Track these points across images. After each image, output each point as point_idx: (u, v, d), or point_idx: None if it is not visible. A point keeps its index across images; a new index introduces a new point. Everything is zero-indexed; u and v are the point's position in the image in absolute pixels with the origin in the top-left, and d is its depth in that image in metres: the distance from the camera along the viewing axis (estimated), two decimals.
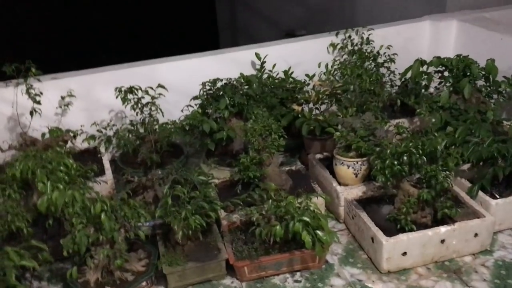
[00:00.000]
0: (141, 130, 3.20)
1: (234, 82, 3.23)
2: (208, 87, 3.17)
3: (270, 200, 2.42)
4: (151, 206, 2.74)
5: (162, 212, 2.38)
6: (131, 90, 3.00)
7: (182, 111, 3.21)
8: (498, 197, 2.68)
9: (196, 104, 3.19)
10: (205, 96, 3.15)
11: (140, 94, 3.05)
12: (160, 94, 3.07)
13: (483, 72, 3.23)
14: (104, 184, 2.90)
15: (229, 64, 3.63)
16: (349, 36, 3.75)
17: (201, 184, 2.54)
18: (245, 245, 2.49)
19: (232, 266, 2.41)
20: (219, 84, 3.18)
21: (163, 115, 3.14)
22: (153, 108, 3.06)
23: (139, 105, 3.05)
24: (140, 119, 3.14)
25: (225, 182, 2.95)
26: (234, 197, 2.61)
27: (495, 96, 3.27)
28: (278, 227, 2.30)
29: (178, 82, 3.47)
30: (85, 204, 2.26)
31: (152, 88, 3.07)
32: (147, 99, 3.08)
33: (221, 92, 3.11)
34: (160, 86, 3.06)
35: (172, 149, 3.27)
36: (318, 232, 2.28)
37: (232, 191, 2.81)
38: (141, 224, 2.44)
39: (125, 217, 2.33)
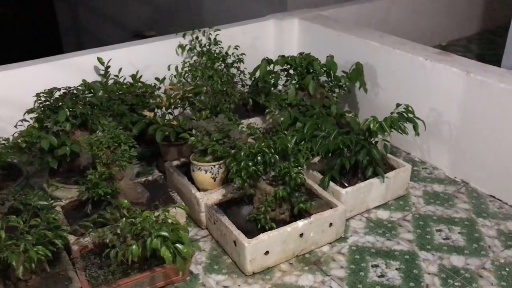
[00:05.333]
0: None
1: (75, 91, 2.94)
2: (44, 98, 2.84)
3: (124, 218, 2.24)
4: None
5: None
6: None
7: (16, 126, 2.84)
8: (347, 185, 2.84)
9: (32, 118, 2.85)
10: (42, 109, 2.82)
11: None
12: None
13: (325, 68, 3.42)
14: None
15: (70, 71, 3.32)
16: (197, 37, 3.68)
17: (43, 210, 2.26)
18: (101, 270, 2.28)
19: None
20: (57, 94, 2.87)
21: None
22: None
23: None
24: None
25: (73, 202, 2.67)
26: (84, 219, 2.37)
27: (336, 90, 3.48)
28: (134, 246, 2.13)
29: (10, 94, 3.09)
30: None
31: None
32: None
33: (60, 103, 2.81)
34: None
35: (8, 172, 2.88)
36: (178, 245, 2.16)
37: (83, 212, 2.56)
38: None
39: None
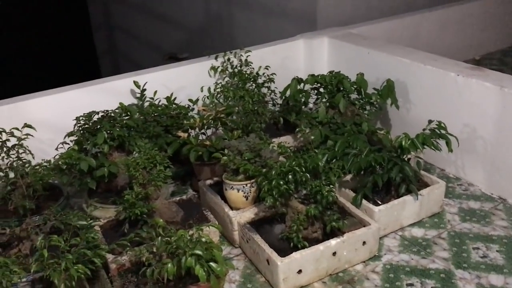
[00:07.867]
0: (12, 175, 2.89)
1: (112, 114, 3.06)
2: (83, 122, 2.97)
3: (160, 237, 2.30)
4: (28, 259, 2.48)
5: (38, 266, 2.14)
6: None
7: (57, 149, 2.97)
8: (380, 203, 2.83)
9: (72, 141, 2.97)
10: (81, 132, 2.95)
11: (4, 136, 2.77)
12: (27, 134, 2.81)
13: (355, 86, 3.43)
14: None
15: (108, 94, 3.45)
16: (228, 59, 3.77)
17: (82, 229, 2.35)
18: None
19: None
20: (95, 117, 3.00)
21: (33, 157, 2.87)
22: (20, 151, 2.78)
23: (4, 149, 2.75)
24: (7, 164, 2.84)
25: (111, 221, 2.75)
26: (121, 238, 2.45)
27: (368, 107, 3.48)
28: (169, 264, 2.18)
29: (52, 118, 3.24)
30: None
31: (18, 128, 2.80)
32: (13, 141, 2.80)
33: (98, 126, 2.93)
34: (26, 125, 2.80)
35: (50, 192, 3.00)
36: (212, 264, 2.20)
37: (120, 231, 2.65)
38: (16, 282, 2.19)
39: None
